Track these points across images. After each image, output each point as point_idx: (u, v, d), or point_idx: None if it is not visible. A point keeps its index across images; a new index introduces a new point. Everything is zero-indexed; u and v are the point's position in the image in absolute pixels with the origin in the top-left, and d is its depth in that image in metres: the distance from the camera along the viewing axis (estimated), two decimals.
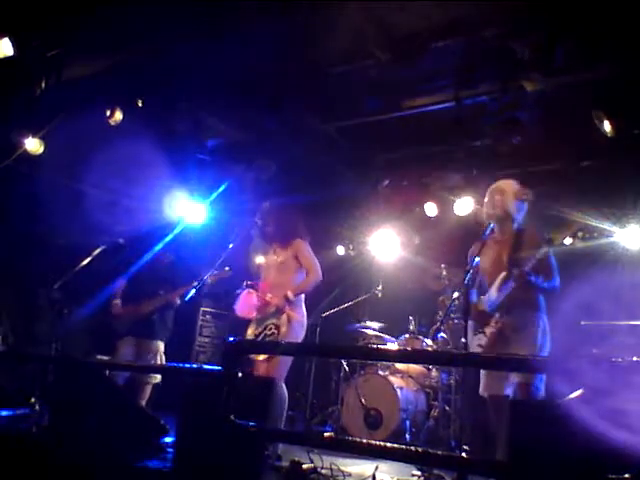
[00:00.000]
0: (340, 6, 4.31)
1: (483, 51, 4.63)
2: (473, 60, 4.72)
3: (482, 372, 4.12)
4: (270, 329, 4.36)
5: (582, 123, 5.30)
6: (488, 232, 4.08)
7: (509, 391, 4.00)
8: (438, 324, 6.23)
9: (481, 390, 4.12)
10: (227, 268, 5.29)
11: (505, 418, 3.91)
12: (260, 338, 4.37)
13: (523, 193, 4.21)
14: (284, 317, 4.33)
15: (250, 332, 4.49)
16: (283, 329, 4.30)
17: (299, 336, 4.38)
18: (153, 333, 5.47)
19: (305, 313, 4.49)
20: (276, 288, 4.46)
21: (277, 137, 6.23)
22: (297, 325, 4.39)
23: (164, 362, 5.49)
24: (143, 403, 5.22)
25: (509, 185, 4.25)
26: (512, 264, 4.03)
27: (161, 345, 5.53)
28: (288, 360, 4.30)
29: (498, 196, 4.19)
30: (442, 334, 6.12)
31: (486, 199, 4.27)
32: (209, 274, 4.84)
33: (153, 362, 5.43)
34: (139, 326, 5.43)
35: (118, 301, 5.56)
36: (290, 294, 4.35)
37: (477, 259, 4.08)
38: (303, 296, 4.53)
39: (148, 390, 5.38)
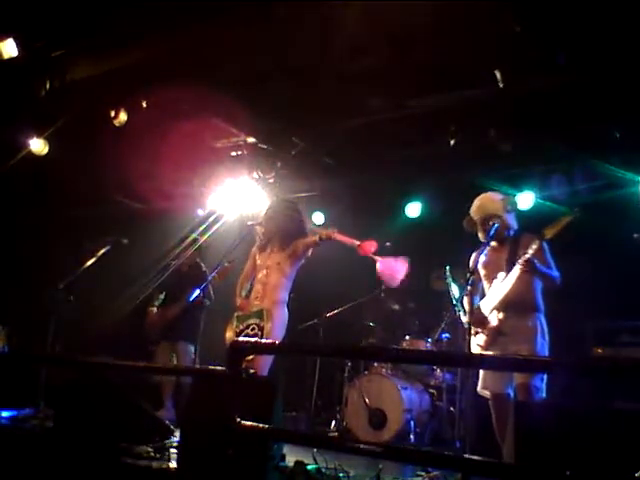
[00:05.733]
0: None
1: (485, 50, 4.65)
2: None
3: (482, 371, 4.12)
4: (253, 329, 4.35)
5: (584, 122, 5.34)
6: (490, 237, 4.13)
7: (510, 390, 4.01)
8: (442, 324, 6.22)
9: (479, 387, 4.13)
10: (227, 263, 5.29)
11: (506, 417, 3.95)
12: (242, 337, 4.35)
13: (511, 203, 4.27)
14: (268, 317, 4.34)
15: (230, 331, 4.47)
16: (266, 329, 4.30)
17: (281, 336, 4.38)
18: (180, 335, 5.54)
19: (287, 314, 4.50)
20: (268, 288, 4.47)
21: (281, 138, 6.25)
22: (279, 326, 4.39)
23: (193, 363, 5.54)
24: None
25: (498, 204, 4.28)
26: (509, 269, 4.07)
27: (189, 346, 5.59)
28: (269, 361, 4.31)
29: (495, 221, 4.20)
30: (446, 334, 6.12)
31: (480, 222, 4.27)
32: (213, 274, 4.86)
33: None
34: (170, 330, 5.53)
35: (154, 308, 5.68)
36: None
37: (481, 259, 4.11)
38: (287, 297, 4.54)
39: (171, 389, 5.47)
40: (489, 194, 4.39)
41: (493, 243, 4.28)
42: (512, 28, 4.31)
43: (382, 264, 4.42)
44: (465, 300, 4.03)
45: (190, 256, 5.85)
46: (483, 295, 4.30)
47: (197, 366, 5.14)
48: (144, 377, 5.50)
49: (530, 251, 3.99)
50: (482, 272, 4.30)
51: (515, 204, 4.31)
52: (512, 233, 4.28)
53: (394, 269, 4.41)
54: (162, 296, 5.75)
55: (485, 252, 4.24)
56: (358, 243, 4.37)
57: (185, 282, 5.64)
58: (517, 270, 4.01)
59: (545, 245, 4.13)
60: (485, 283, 4.30)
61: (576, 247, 5.50)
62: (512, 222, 4.29)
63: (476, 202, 4.36)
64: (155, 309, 5.70)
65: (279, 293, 4.48)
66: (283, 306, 4.48)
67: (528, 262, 3.96)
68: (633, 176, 5.79)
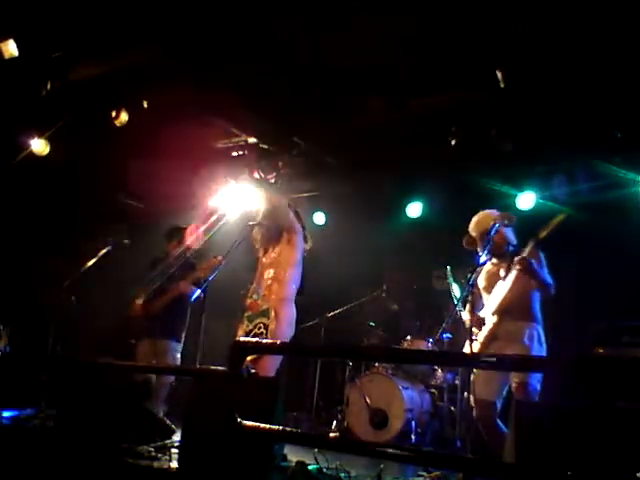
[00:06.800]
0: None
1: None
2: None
3: (472, 378, 4.11)
4: (259, 328, 4.35)
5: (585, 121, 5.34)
6: (484, 262, 4.14)
7: (498, 401, 4.01)
8: (443, 324, 6.22)
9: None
10: (216, 257, 5.23)
11: (492, 425, 3.95)
12: (250, 336, 4.36)
13: (508, 218, 4.26)
14: (273, 316, 4.34)
15: (241, 330, 4.47)
16: (271, 328, 4.30)
17: (288, 335, 4.37)
18: (162, 333, 5.40)
19: (294, 312, 4.48)
20: (274, 285, 4.47)
21: (282, 138, 6.26)
22: (286, 324, 4.37)
23: (176, 362, 5.39)
24: (160, 404, 5.20)
25: (494, 219, 4.27)
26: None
27: (173, 345, 5.41)
28: (277, 361, 4.30)
29: (496, 236, 4.19)
30: (447, 334, 6.11)
31: (479, 237, 4.27)
32: (212, 276, 4.83)
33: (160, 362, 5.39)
34: (152, 326, 5.37)
35: (139, 301, 5.44)
36: None
37: (481, 274, 4.13)
38: (294, 292, 4.52)
39: (165, 391, 5.34)
40: (486, 211, 4.39)
41: (494, 260, 4.29)
42: (514, 28, 4.32)
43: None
44: (468, 313, 4.03)
45: (176, 247, 5.71)
46: (480, 307, 4.30)
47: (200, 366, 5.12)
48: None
49: (525, 252, 4.00)
50: (482, 284, 4.31)
51: (513, 219, 4.31)
52: (511, 249, 4.27)
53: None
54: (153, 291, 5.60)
55: (485, 267, 4.25)
56: None
57: (171, 274, 5.51)
58: (514, 272, 4.02)
59: (542, 256, 4.13)
60: (485, 295, 4.30)
61: (576, 247, 5.51)
62: (511, 237, 4.29)
63: (474, 219, 4.37)
64: (140, 301, 5.52)
65: (286, 290, 4.47)
66: (289, 303, 4.47)
67: (524, 260, 3.96)
68: (634, 176, 5.79)
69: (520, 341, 4.00)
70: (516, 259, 4.02)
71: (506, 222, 4.23)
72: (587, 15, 4.18)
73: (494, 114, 5.52)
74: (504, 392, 4.05)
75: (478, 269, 4.15)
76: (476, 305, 4.18)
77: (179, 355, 5.46)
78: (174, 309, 5.41)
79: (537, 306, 4.15)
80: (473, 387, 4.06)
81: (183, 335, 5.51)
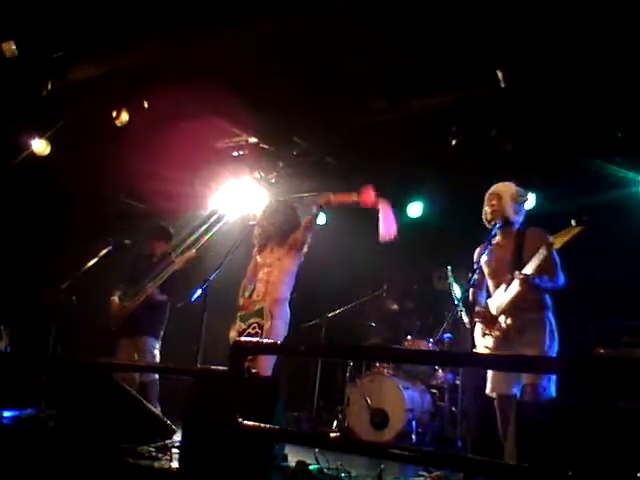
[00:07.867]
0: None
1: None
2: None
3: (490, 372, 4.10)
4: (254, 328, 4.36)
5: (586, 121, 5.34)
6: (493, 234, 4.09)
7: (516, 390, 3.98)
8: (444, 325, 6.22)
9: (488, 390, 4.10)
10: (193, 251, 5.22)
11: (512, 419, 3.92)
12: (244, 336, 4.35)
13: (520, 194, 4.20)
14: (268, 316, 4.34)
15: (234, 331, 4.47)
16: (266, 328, 4.30)
17: (282, 335, 4.37)
18: (141, 330, 5.35)
19: (289, 312, 4.49)
20: (269, 285, 4.47)
21: (283, 138, 6.27)
22: (280, 324, 4.38)
23: (155, 359, 5.36)
24: (155, 402, 5.18)
25: (506, 188, 4.21)
26: (515, 268, 3.99)
27: (151, 341, 5.38)
28: (272, 360, 4.30)
29: (495, 201, 4.15)
30: (448, 334, 6.11)
31: (485, 203, 4.26)
32: (213, 275, 4.82)
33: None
34: (130, 324, 5.32)
35: (115, 298, 5.41)
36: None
37: (483, 259, 4.08)
38: (288, 294, 4.53)
39: (155, 388, 5.33)
40: (505, 183, 4.27)
41: (497, 238, 4.23)
42: (514, 28, 4.32)
43: (385, 213, 4.36)
44: (470, 293, 3.99)
45: (162, 247, 5.69)
46: (488, 291, 4.26)
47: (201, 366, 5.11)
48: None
49: (530, 268, 3.90)
50: (486, 270, 4.25)
51: (525, 198, 4.25)
52: (517, 227, 4.21)
53: (393, 220, 4.40)
54: (132, 289, 5.55)
55: (488, 250, 4.19)
56: (356, 197, 4.33)
57: (149, 272, 5.48)
58: (517, 288, 3.98)
59: (555, 255, 4.04)
60: (489, 280, 4.25)
61: (577, 247, 5.50)
62: (516, 215, 4.18)
63: (495, 185, 4.31)
64: (117, 299, 5.42)
65: (280, 290, 4.48)
66: (284, 304, 4.48)
67: (525, 281, 3.90)
68: (634, 176, 5.79)
69: (532, 339, 3.93)
70: (519, 278, 3.95)
71: (517, 199, 4.15)
72: (587, 15, 4.17)
73: (494, 114, 5.52)
74: (521, 379, 4.00)
75: (483, 247, 4.12)
76: (480, 288, 4.16)
77: (157, 352, 5.44)
78: (151, 306, 5.38)
79: (547, 294, 4.09)
80: (491, 382, 4.04)
81: (162, 332, 5.49)
